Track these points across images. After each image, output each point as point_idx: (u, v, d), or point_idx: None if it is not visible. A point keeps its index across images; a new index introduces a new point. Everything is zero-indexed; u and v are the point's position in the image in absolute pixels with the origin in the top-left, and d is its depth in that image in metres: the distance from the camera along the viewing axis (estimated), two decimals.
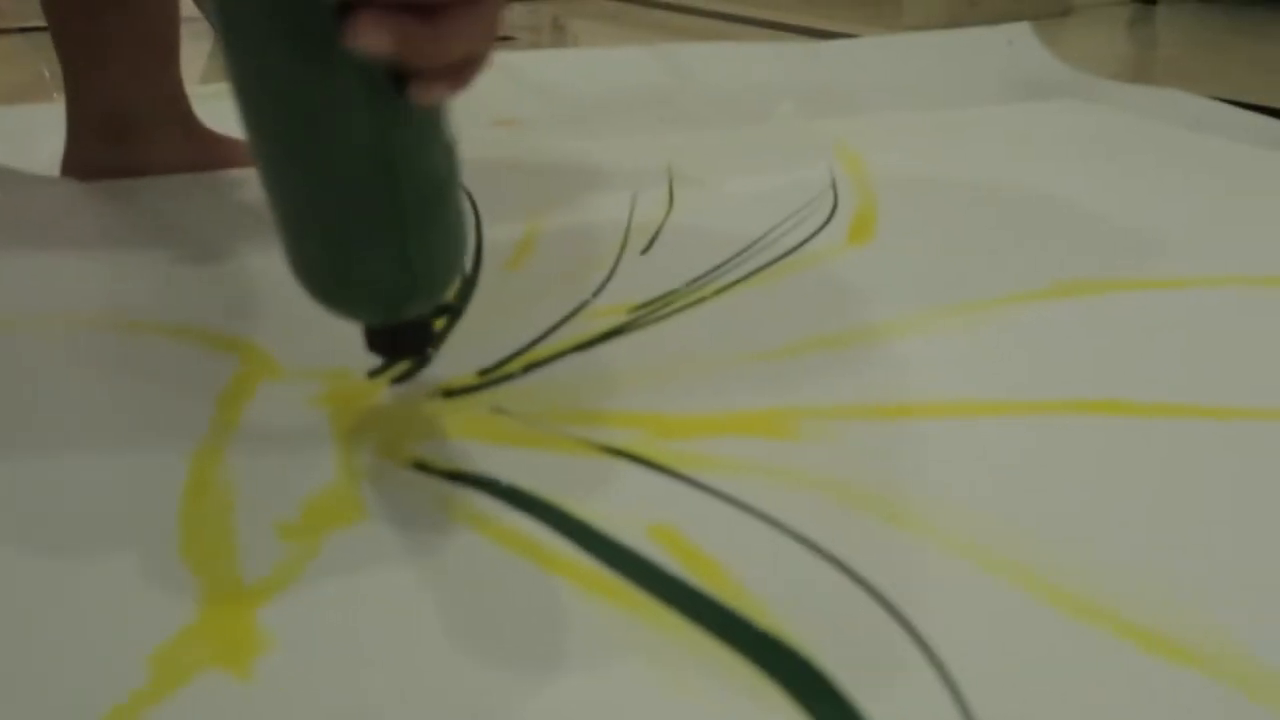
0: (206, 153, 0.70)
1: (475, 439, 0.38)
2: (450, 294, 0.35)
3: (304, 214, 0.32)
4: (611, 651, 0.28)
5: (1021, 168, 0.71)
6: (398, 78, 0.28)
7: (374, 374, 0.43)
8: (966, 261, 0.54)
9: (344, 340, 0.46)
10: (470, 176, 0.69)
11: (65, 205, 0.65)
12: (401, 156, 0.30)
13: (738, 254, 0.55)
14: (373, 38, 0.26)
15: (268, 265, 0.54)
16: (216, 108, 0.79)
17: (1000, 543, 0.32)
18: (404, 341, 0.36)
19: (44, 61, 1.28)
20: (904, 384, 0.42)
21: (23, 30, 1.47)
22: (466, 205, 0.34)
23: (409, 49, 0.27)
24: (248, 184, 0.68)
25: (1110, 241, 0.57)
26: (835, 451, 0.37)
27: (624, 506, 0.34)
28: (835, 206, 0.62)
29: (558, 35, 1.61)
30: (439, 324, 0.45)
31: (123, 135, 0.68)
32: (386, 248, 0.31)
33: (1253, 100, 0.95)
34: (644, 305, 0.49)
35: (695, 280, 0.52)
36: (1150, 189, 0.67)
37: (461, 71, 0.29)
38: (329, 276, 0.33)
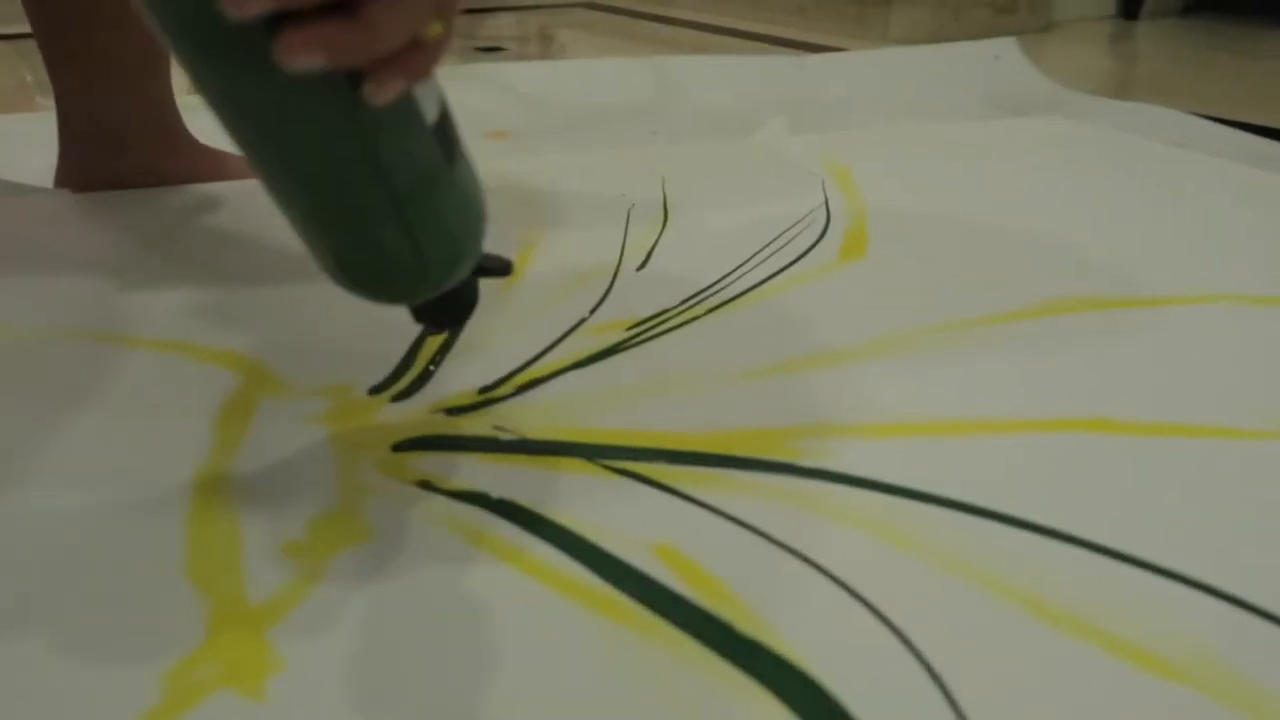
0: (197, 165, 0.70)
1: (477, 457, 0.38)
2: (474, 259, 0.35)
3: (305, 218, 0.32)
4: (616, 669, 0.28)
5: (1009, 183, 0.72)
6: (352, 78, 0.28)
7: (375, 390, 0.43)
8: (956, 279, 0.55)
9: (344, 355, 0.46)
10: None
11: (59, 217, 0.65)
12: (380, 149, 0.29)
13: (732, 271, 0.55)
14: (303, 55, 0.26)
15: (264, 278, 0.54)
16: (206, 118, 0.79)
17: (992, 559, 0.32)
18: (444, 315, 0.37)
19: (27, 68, 1.27)
20: (897, 403, 0.42)
21: (6, 38, 1.47)
22: (474, 171, 0.34)
23: (341, 55, 0.26)
24: (240, 196, 0.68)
25: (1096, 258, 0.58)
26: (830, 470, 0.37)
27: (627, 525, 0.34)
28: (828, 223, 0.63)
29: (545, 45, 1.62)
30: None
31: (114, 148, 0.68)
32: (391, 236, 0.31)
33: (1234, 117, 0.97)
34: (640, 323, 0.49)
35: (691, 297, 0.52)
36: (1135, 206, 0.68)
37: (409, 61, 0.28)
38: (345, 271, 0.33)
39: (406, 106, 0.30)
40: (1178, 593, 0.31)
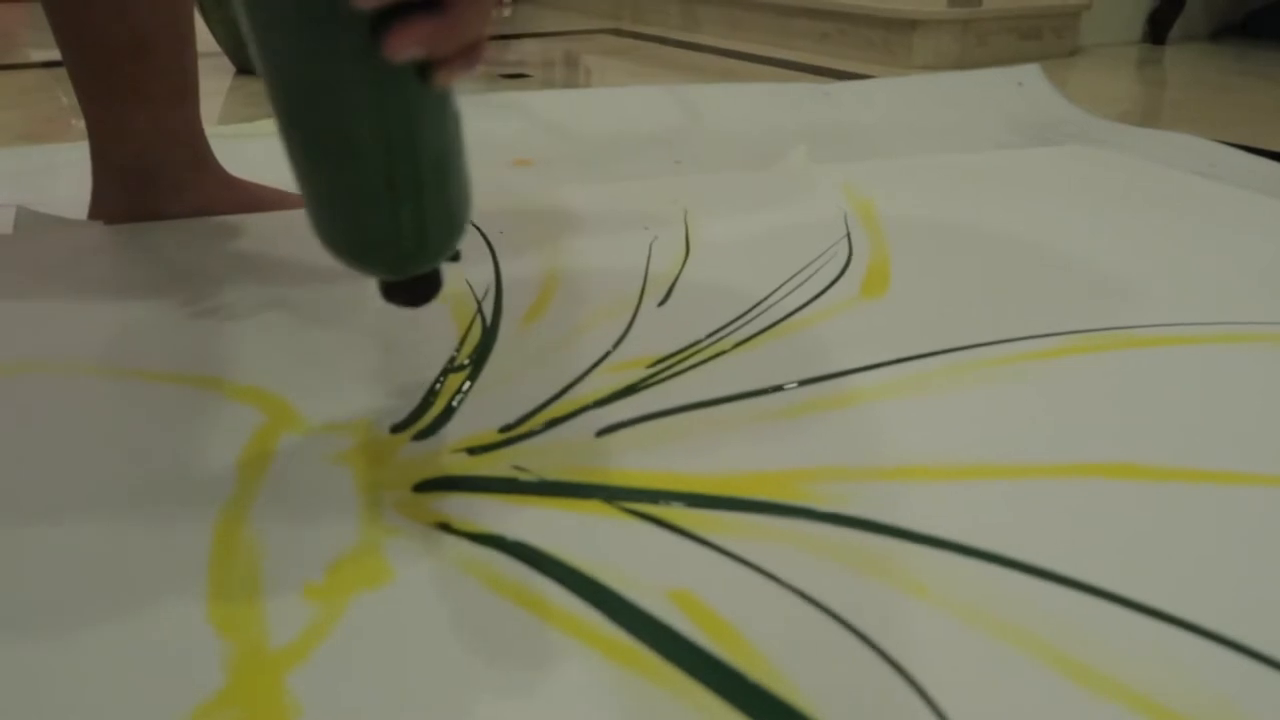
0: (227, 197, 0.71)
1: (496, 498, 0.38)
2: (460, 241, 0.38)
3: (330, 185, 0.35)
4: (628, 717, 0.28)
5: (1034, 217, 0.72)
6: (420, 66, 0.32)
7: (397, 428, 0.43)
8: (979, 317, 0.55)
9: (366, 392, 0.47)
10: (492, 220, 0.70)
11: (91, 249, 0.66)
12: (419, 130, 0.34)
13: (753, 308, 0.56)
14: (409, 48, 0.31)
15: (290, 312, 0.55)
16: (235, 148, 0.80)
17: (1013, 610, 0.32)
18: (420, 292, 0.40)
19: (63, 91, 1.30)
20: (918, 446, 0.42)
21: (45, 65, 1.50)
22: (469, 167, 0.37)
23: (434, 48, 0.31)
24: (271, 227, 0.69)
25: (1123, 294, 0.58)
26: (849, 515, 0.37)
27: (644, 570, 0.34)
28: (850, 258, 0.63)
29: (570, 71, 1.63)
30: (456, 386, 0.45)
31: (145, 181, 0.69)
32: (404, 212, 0.35)
33: (1263, 145, 0.96)
34: (661, 360, 0.49)
35: (711, 335, 0.52)
36: (1164, 239, 0.68)
37: (472, 54, 0.33)
38: (353, 239, 0.36)
39: (449, 94, 0.34)
40: (1203, 648, 0.31)
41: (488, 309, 0.56)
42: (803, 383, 0.47)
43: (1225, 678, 0.30)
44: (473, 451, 0.42)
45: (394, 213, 0.35)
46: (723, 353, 0.50)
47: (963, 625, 0.32)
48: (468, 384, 0.47)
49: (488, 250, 0.65)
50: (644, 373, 0.48)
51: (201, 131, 0.71)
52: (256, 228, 0.69)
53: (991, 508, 0.38)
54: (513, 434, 0.43)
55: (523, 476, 0.40)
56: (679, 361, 0.49)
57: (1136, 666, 0.30)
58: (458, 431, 0.43)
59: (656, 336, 0.52)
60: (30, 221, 0.71)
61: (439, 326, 0.53)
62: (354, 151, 0.33)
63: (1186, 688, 0.29)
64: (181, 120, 0.69)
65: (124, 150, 0.68)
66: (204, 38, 0.75)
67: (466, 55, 0.32)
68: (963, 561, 0.35)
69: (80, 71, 0.67)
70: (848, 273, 0.61)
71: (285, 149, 0.34)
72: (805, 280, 0.60)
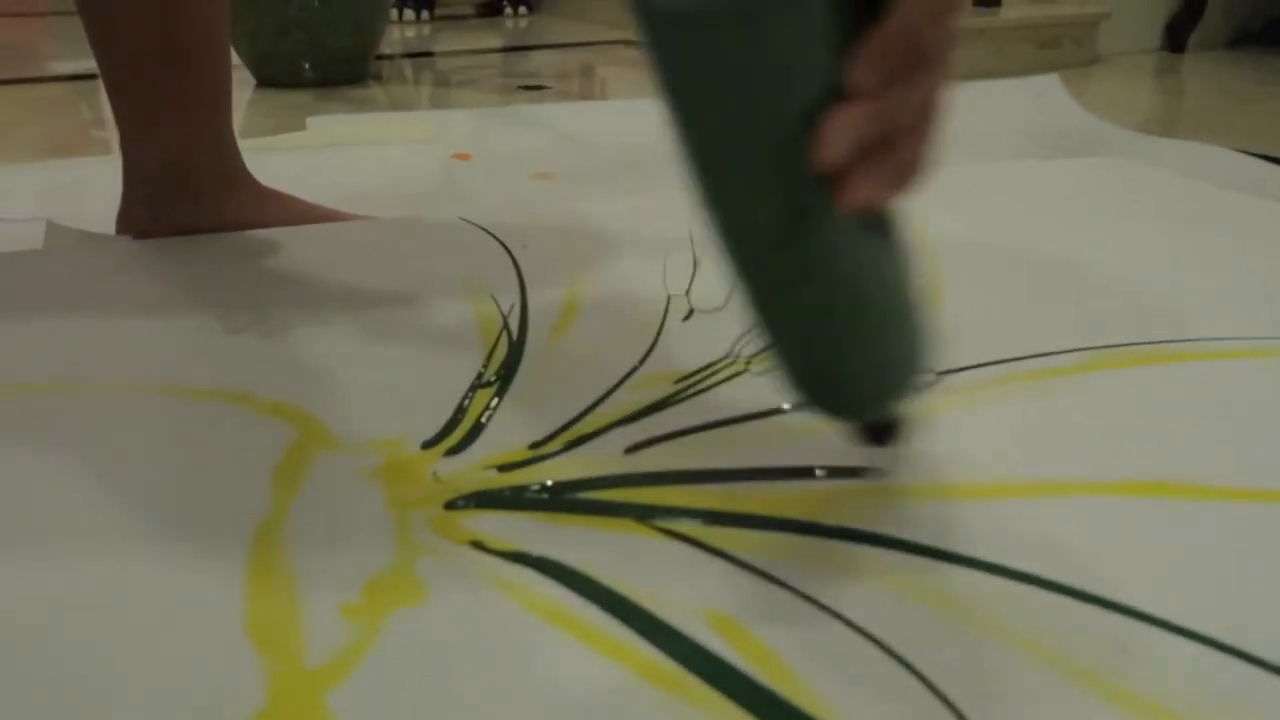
0: (261, 210, 0.72)
1: (528, 516, 0.39)
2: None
3: (779, 327, 0.34)
4: None
5: (1062, 228, 0.72)
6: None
7: (427, 445, 0.44)
8: (1008, 330, 0.55)
9: (396, 408, 0.47)
10: (515, 235, 0.70)
11: (120, 263, 0.66)
12: (859, 267, 0.33)
13: None
14: (865, 195, 0.30)
15: (320, 328, 0.56)
16: (258, 161, 0.81)
17: (1057, 636, 0.32)
18: (889, 434, 0.39)
19: (86, 106, 1.31)
20: (955, 463, 0.42)
21: (67, 79, 1.51)
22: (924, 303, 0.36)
23: (883, 194, 0.31)
24: (301, 241, 0.69)
25: (1154, 310, 0.58)
26: (885, 534, 0.37)
27: (681, 591, 0.34)
28: None
29: (586, 83, 1.64)
30: None
31: (177, 193, 0.69)
32: (867, 356, 0.34)
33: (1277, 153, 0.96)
34: (688, 376, 0.50)
35: (738, 350, 0.52)
36: (1191, 251, 0.67)
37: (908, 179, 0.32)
38: (824, 387, 0.35)
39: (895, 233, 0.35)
40: (1250, 671, 0.31)
41: (513, 324, 0.56)
42: None
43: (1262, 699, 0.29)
44: (503, 469, 0.42)
45: (853, 355, 0.34)
46: (750, 367, 0.50)
47: (1002, 649, 0.32)
48: (496, 400, 0.48)
49: (512, 266, 0.65)
50: (671, 389, 0.48)
51: (234, 142, 0.71)
52: (286, 242, 0.69)
53: (1024, 526, 0.38)
54: (542, 451, 0.43)
55: (552, 494, 0.40)
56: (706, 377, 0.50)
57: (1180, 688, 0.30)
58: (487, 448, 0.43)
59: (682, 352, 0.52)
60: (60, 236, 0.72)
61: (465, 342, 0.54)
62: (795, 292, 0.32)
63: (1220, 709, 0.29)
64: (213, 129, 0.69)
65: (155, 158, 0.68)
66: None
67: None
68: (1006, 584, 0.35)
69: (113, 76, 0.67)
70: None
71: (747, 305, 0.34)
72: None
